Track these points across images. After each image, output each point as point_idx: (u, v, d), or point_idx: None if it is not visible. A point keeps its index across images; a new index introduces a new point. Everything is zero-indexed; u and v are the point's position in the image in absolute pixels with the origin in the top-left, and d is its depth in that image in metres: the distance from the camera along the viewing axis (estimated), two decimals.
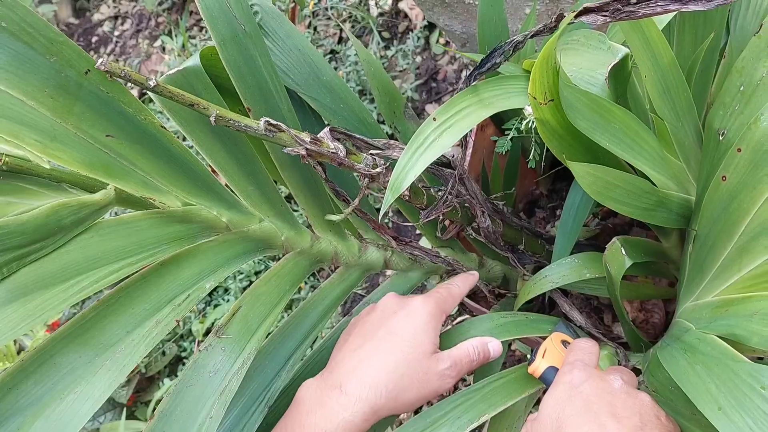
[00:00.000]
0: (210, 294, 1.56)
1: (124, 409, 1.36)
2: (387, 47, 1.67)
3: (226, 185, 0.67)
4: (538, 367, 0.64)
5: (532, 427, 0.58)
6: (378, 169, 0.66)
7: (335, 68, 1.67)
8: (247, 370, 0.61)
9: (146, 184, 0.57)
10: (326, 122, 0.75)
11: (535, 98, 0.54)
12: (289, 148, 0.61)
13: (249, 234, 0.66)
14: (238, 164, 0.66)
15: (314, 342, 0.75)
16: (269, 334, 0.70)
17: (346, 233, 0.78)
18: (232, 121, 0.57)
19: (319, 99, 0.73)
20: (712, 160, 0.63)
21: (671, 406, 0.59)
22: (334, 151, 0.63)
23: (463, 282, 0.75)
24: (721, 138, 0.62)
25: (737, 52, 0.67)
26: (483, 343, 0.68)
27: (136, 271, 0.56)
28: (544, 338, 0.70)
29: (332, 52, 1.70)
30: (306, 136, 0.62)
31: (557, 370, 0.62)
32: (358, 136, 0.66)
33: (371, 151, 0.67)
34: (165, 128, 0.58)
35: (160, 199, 0.58)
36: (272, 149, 0.68)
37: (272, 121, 0.59)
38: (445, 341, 0.69)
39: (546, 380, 0.63)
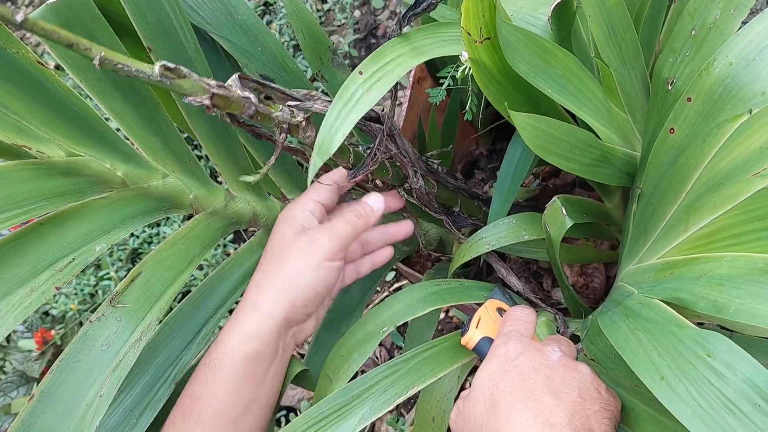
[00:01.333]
0: (134, 263, 1.47)
1: (36, 383, 1.27)
2: (323, 0, 1.58)
3: (124, 135, 0.59)
4: (472, 337, 0.59)
5: (464, 405, 0.52)
6: (297, 119, 0.59)
7: (269, 22, 1.58)
8: (150, 343, 0.55)
9: (21, 130, 0.49)
10: (242, 67, 0.67)
11: (469, 34, 0.48)
12: (191, 98, 0.54)
13: (150, 191, 0.58)
14: (137, 111, 0.58)
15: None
16: (178, 302, 0.63)
17: (267, 193, 0.71)
18: (120, 65, 0.49)
19: (232, 40, 0.65)
20: (659, 112, 0.58)
21: (611, 376, 0.55)
22: (245, 98, 0.56)
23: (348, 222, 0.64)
24: (669, 87, 0.57)
25: None
26: (360, 203, 0.65)
27: (9, 231, 0.48)
28: (481, 305, 0.65)
29: (265, 4, 1.61)
30: (212, 82, 0.54)
31: (492, 341, 0.57)
32: (273, 85, 0.59)
33: (289, 103, 0.60)
34: (44, 65, 0.50)
35: (38, 148, 0.50)
36: (179, 96, 0.60)
37: (169, 65, 0.51)
38: (377, 313, 0.64)
39: (480, 352, 0.58)
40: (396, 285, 1.24)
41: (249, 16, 0.65)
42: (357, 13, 1.55)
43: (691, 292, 0.50)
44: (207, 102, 0.54)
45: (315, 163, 0.52)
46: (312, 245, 0.59)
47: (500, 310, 0.62)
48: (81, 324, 1.37)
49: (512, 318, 0.58)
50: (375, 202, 0.66)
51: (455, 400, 0.68)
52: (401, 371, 0.59)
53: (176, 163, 0.61)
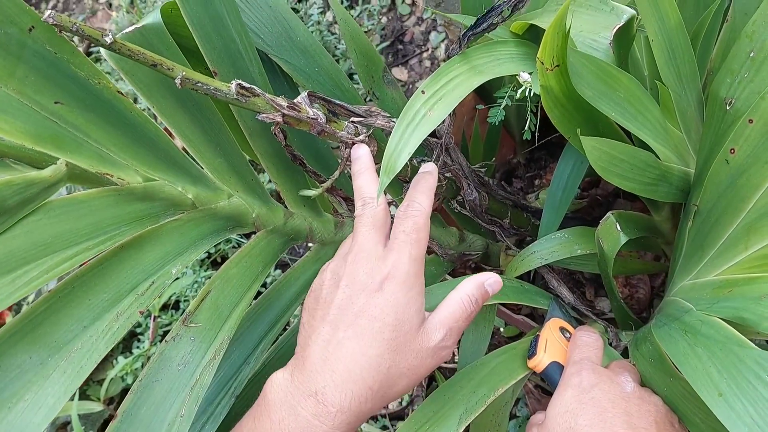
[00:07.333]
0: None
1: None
2: (351, 7, 1.59)
3: (192, 158, 0.60)
4: (541, 361, 0.59)
5: None
6: (361, 137, 0.61)
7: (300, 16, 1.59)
8: None
9: (102, 158, 0.50)
10: (299, 87, 0.69)
11: (542, 63, 0.49)
12: (264, 115, 0.55)
13: (217, 211, 0.60)
14: (204, 134, 0.59)
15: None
16: None
17: (321, 209, 0.72)
18: (200, 84, 0.51)
19: (292, 61, 0.66)
20: (716, 131, 0.59)
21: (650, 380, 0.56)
22: (313, 117, 0.57)
23: (423, 193, 0.54)
24: (728, 107, 0.58)
25: (741, 15, 0.63)
26: (479, 284, 0.52)
27: (93, 257, 0.49)
28: (535, 311, 0.65)
29: (293, 10, 1.61)
30: (283, 101, 0.56)
31: (560, 365, 0.58)
32: (337, 102, 0.61)
33: (352, 119, 0.61)
34: (122, 94, 0.51)
35: (119, 175, 0.51)
36: (241, 117, 0.62)
37: (245, 84, 0.53)
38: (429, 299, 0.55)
39: (550, 378, 0.59)
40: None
41: (307, 38, 0.67)
42: (384, 19, 1.56)
43: (754, 312, 0.51)
44: (279, 119, 0.56)
45: (383, 182, 0.53)
46: (436, 356, 0.51)
47: (563, 330, 0.62)
48: None
49: (582, 345, 0.58)
50: (495, 285, 0.54)
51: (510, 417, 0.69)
52: (482, 374, 0.59)
53: (240, 183, 0.62)
